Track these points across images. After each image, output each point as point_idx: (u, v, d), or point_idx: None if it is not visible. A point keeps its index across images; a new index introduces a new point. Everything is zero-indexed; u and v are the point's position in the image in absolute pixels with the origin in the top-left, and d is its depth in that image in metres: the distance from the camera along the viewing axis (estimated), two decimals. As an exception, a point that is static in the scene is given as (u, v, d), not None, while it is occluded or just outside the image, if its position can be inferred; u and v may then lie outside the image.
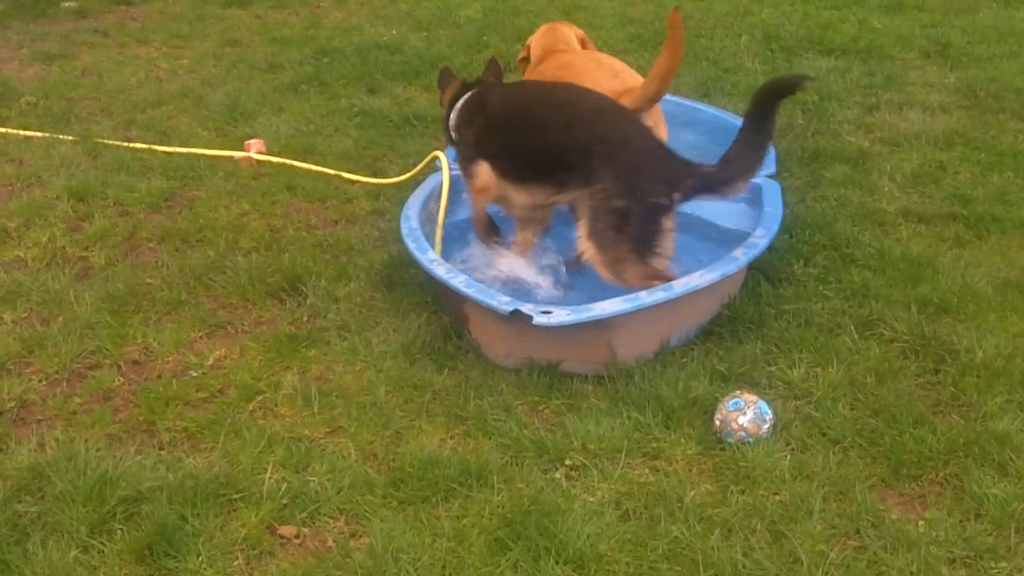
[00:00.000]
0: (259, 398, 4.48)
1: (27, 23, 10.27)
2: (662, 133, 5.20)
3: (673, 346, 4.71)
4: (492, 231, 5.33)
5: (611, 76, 5.36)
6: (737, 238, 5.12)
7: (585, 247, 4.76)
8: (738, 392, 4.23)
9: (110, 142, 7.11)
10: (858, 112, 7.61)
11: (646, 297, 4.48)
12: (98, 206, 6.18)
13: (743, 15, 10.40)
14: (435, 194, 5.57)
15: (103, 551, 3.64)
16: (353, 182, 6.53)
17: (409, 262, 5.18)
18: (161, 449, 4.17)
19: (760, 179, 5.59)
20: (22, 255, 5.62)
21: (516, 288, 4.99)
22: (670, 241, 4.79)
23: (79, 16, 10.61)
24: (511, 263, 5.18)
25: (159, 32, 10.07)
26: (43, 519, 3.75)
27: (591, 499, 3.86)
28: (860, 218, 5.92)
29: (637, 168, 4.72)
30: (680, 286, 4.57)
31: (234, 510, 3.82)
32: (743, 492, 3.88)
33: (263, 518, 3.77)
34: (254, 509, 3.80)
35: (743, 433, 4.10)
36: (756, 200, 5.47)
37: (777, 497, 3.84)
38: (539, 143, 4.96)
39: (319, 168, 6.69)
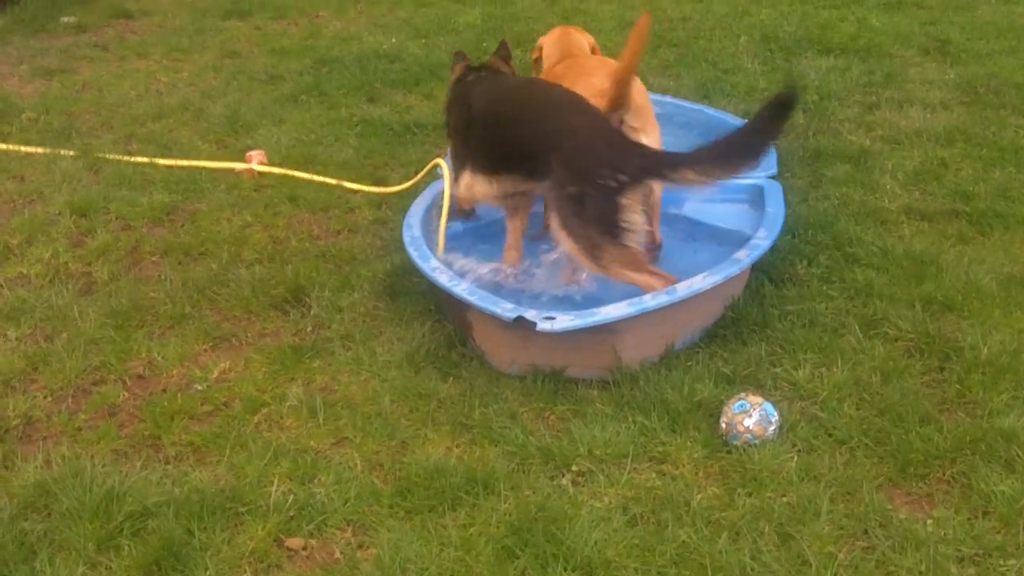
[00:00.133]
0: (264, 410, 4.48)
1: (27, 38, 10.28)
2: (650, 132, 5.19)
3: (678, 349, 4.71)
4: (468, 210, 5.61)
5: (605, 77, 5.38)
6: (739, 240, 5.11)
7: (560, 239, 4.80)
8: (743, 394, 4.22)
9: (111, 156, 7.11)
10: (858, 111, 7.61)
11: (650, 300, 4.47)
12: (100, 221, 6.19)
13: (742, 16, 10.40)
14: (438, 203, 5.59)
15: (111, 567, 3.64)
16: (355, 191, 6.52)
17: (412, 271, 5.18)
18: (167, 464, 4.16)
19: (762, 180, 5.61)
20: (25, 271, 5.62)
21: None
22: (636, 216, 4.74)
23: (78, 31, 10.61)
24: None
25: (159, 45, 10.08)
26: (50, 536, 3.75)
27: (598, 505, 3.85)
28: (862, 217, 5.91)
29: (582, 154, 4.75)
30: (683, 289, 4.57)
31: (241, 523, 3.82)
32: (750, 494, 3.87)
33: (270, 531, 3.76)
34: (261, 522, 3.80)
35: (749, 435, 4.09)
36: (758, 201, 5.47)
37: (784, 499, 3.84)
38: (503, 137, 5.11)
39: (321, 178, 6.69)
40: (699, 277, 4.65)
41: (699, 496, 3.87)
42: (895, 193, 6.21)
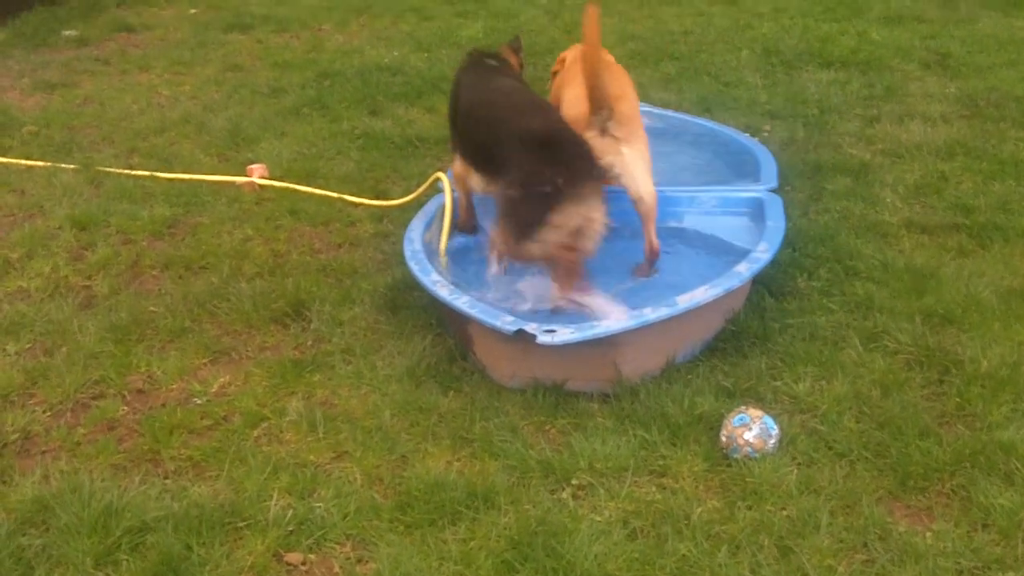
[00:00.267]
0: (264, 424, 4.47)
1: (28, 52, 10.31)
2: (634, 144, 5.21)
3: (678, 362, 4.71)
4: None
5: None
6: (740, 253, 5.10)
7: (493, 235, 4.94)
8: (743, 407, 4.22)
9: (112, 170, 7.12)
10: (859, 124, 7.62)
11: (650, 314, 4.47)
12: (101, 235, 6.19)
13: (743, 29, 10.43)
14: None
15: (110, 582, 3.63)
16: (356, 205, 6.53)
17: (413, 284, 5.18)
18: (166, 478, 4.15)
19: (762, 193, 5.61)
20: (25, 285, 5.62)
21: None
22: (569, 222, 4.70)
23: (80, 44, 10.64)
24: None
25: (160, 59, 10.10)
26: (48, 552, 3.73)
27: (598, 519, 3.84)
28: (863, 230, 5.92)
29: (526, 158, 4.75)
30: (684, 302, 4.56)
31: (240, 538, 3.81)
32: (750, 508, 3.87)
33: (269, 545, 3.75)
34: (260, 536, 3.79)
35: (749, 448, 4.09)
36: (759, 214, 5.47)
37: (784, 512, 3.83)
38: (476, 136, 5.28)
39: (322, 192, 6.70)
40: (700, 290, 4.64)
41: (699, 510, 3.86)
42: (895, 206, 6.21)
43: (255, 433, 4.42)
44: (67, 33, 10.89)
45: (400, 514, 3.89)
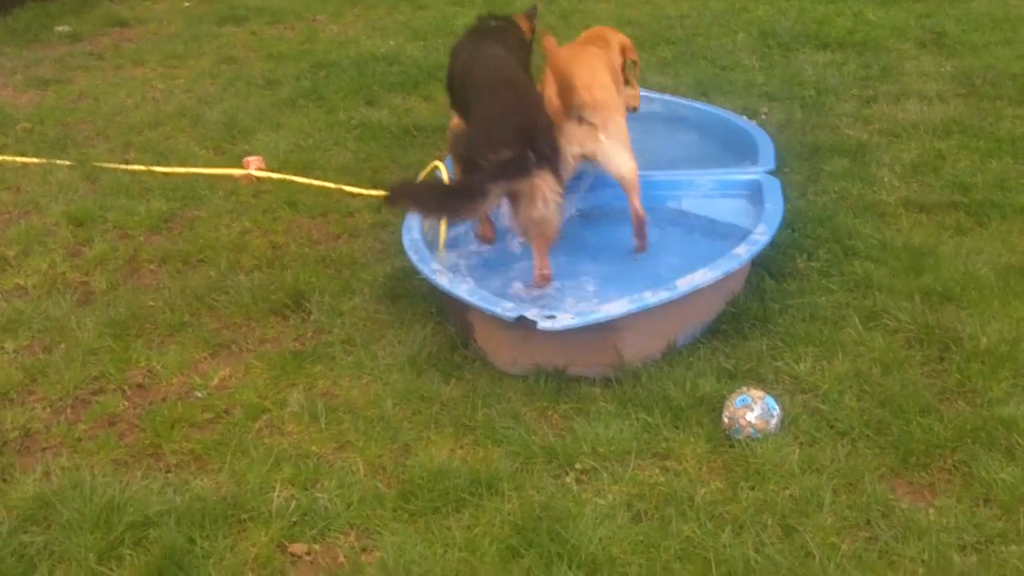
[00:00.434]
0: (265, 416, 4.46)
1: (20, 49, 10.26)
2: (611, 131, 5.26)
3: (679, 345, 4.71)
4: None
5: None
6: (739, 235, 5.10)
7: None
8: (745, 388, 4.23)
9: (108, 165, 7.10)
10: (856, 105, 7.62)
11: (650, 298, 4.46)
12: (98, 230, 6.17)
13: (739, 12, 10.42)
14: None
15: (113, 577, 3.63)
16: (354, 195, 6.52)
17: (412, 273, 5.18)
18: (168, 472, 4.14)
19: (760, 175, 5.61)
20: (22, 283, 5.60)
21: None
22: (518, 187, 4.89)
23: (73, 40, 10.60)
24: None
25: (154, 52, 10.07)
26: (50, 548, 3.72)
27: (602, 502, 3.84)
28: (861, 210, 5.92)
29: (479, 130, 5.06)
30: (684, 285, 4.56)
31: (243, 530, 3.80)
32: (753, 488, 3.87)
33: (273, 537, 3.75)
34: (264, 528, 3.79)
35: (751, 429, 4.09)
36: (757, 196, 5.47)
37: (787, 492, 3.83)
38: (463, 102, 5.53)
39: (319, 183, 6.69)
40: (699, 273, 4.64)
41: (702, 491, 3.86)
42: (893, 186, 6.21)
43: (257, 425, 4.41)
44: (60, 29, 10.85)
45: (404, 503, 3.89)
